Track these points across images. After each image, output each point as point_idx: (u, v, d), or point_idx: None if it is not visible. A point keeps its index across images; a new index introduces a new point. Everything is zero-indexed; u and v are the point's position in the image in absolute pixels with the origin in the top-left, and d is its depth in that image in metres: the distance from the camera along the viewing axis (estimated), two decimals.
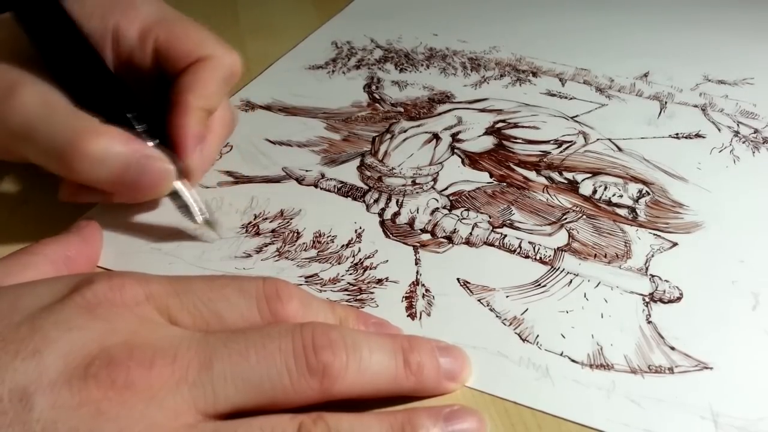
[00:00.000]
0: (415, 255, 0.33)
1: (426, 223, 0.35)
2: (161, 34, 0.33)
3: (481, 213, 0.36)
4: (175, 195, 0.32)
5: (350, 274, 0.32)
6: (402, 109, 0.45)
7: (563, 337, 0.29)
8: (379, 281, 0.31)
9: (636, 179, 0.39)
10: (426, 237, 0.34)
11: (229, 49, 0.34)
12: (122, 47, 0.34)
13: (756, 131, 0.44)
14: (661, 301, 0.31)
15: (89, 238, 0.30)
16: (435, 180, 0.38)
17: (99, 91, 0.31)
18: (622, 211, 0.36)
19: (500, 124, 0.44)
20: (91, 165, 0.29)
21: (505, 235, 0.34)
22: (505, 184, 0.38)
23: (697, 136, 0.43)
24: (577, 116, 0.45)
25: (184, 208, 0.32)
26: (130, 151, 0.30)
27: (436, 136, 0.42)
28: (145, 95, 0.33)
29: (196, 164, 0.32)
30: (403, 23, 0.57)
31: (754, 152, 0.42)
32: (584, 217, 0.36)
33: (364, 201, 0.36)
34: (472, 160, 0.40)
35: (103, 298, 0.22)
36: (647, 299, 0.31)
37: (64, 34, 0.31)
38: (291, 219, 0.35)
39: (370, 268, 0.32)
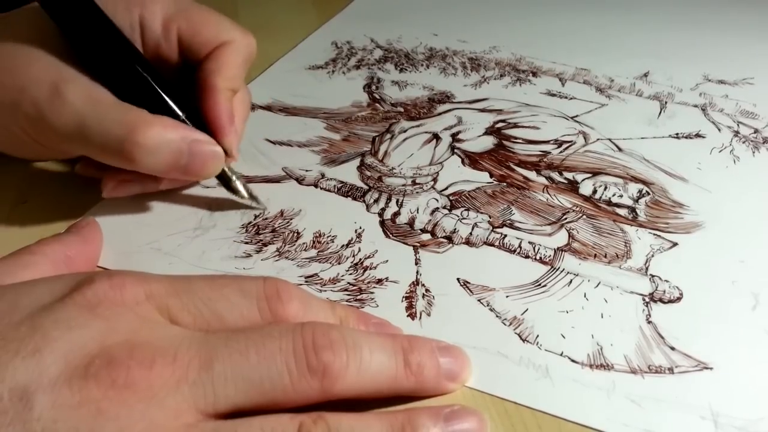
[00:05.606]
0: (415, 255, 0.33)
1: (426, 223, 0.35)
2: (183, 24, 0.35)
3: (481, 213, 0.36)
4: (219, 175, 0.34)
5: (350, 274, 0.32)
6: (402, 109, 0.45)
7: (563, 337, 0.29)
8: (379, 281, 0.31)
9: (636, 179, 0.39)
10: (426, 237, 0.34)
11: (245, 32, 0.36)
12: (148, 39, 0.35)
13: (756, 131, 0.44)
14: (661, 301, 0.31)
15: (89, 238, 0.30)
16: (435, 180, 0.38)
17: (140, 82, 0.32)
18: (622, 211, 0.36)
19: (500, 124, 0.44)
20: (149, 154, 0.30)
21: (505, 235, 0.34)
22: (505, 184, 0.38)
23: (697, 136, 0.43)
24: (577, 116, 0.45)
25: (229, 186, 0.34)
26: (181, 137, 0.31)
27: (436, 136, 0.42)
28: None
29: (232, 143, 0.34)
30: (403, 23, 0.57)
31: (754, 152, 0.42)
32: (584, 217, 0.36)
33: (364, 201, 0.36)
34: (472, 160, 0.40)
35: (104, 297, 0.22)
36: (647, 299, 0.31)
37: (97, 26, 0.31)
38: (291, 219, 0.35)
39: (370, 268, 0.32)
